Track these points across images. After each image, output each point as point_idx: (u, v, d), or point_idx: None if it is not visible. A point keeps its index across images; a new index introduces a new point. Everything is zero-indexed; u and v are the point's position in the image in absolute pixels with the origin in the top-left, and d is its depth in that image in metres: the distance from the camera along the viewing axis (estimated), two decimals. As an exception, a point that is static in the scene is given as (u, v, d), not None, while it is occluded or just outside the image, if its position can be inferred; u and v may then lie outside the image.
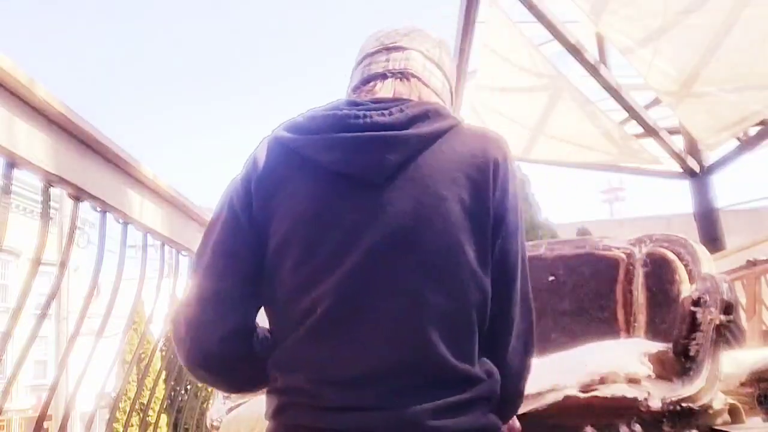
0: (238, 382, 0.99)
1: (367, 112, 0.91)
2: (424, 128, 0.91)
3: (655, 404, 1.47)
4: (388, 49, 1.02)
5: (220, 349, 0.91)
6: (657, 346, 1.64)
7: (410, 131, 0.90)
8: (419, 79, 1.00)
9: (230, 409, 1.97)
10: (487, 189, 0.90)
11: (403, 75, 0.99)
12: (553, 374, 1.47)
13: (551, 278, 2.20)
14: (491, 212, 0.90)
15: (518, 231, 0.95)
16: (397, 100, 0.95)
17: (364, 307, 0.86)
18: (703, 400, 1.56)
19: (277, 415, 0.90)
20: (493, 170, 0.91)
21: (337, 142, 0.90)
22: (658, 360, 1.57)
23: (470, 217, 0.88)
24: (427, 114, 0.92)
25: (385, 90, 0.98)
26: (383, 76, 1.00)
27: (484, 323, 0.91)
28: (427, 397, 0.83)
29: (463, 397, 0.86)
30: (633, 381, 1.50)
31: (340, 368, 0.85)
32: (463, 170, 0.90)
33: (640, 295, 2.05)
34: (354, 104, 0.95)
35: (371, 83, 1.00)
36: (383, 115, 0.91)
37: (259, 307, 0.96)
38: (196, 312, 0.92)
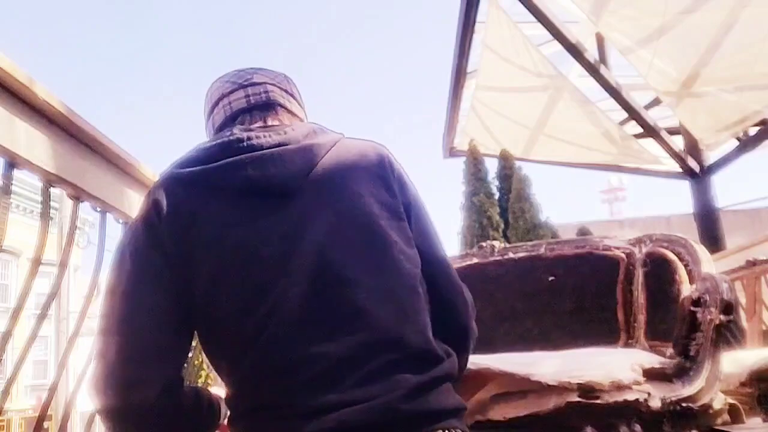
0: None
1: (260, 134, 0.95)
2: (317, 140, 0.98)
3: (655, 404, 1.47)
4: (244, 87, 1.05)
5: (157, 403, 0.86)
6: (653, 361, 1.63)
7: (307, 142, 0.96)
8: (282, 106, 1.06)
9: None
10: (389, 180, 1.00)
11: (266, 105, 1.04)
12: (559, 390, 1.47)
13: (551, 278, 2.20)
14: (399, 198, 0.99)
15: (424, 207, 1.05)
16: (278, 125, 1.00)
17: (314, 307, 0.87)
18: (703, 400, 1.55)
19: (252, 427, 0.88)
20: (388, 165, 1.02)
21: (241, 163, 0.92)
22: (652, 372, 1.56)
23: (384, 206, 0.96)
24: (314, 130, 1.00)
25: (254, 120, 1.02)
26: (248, 110, 1.03)
27: (425, 299, 0.97)
28: (394, 382, 0.85)
29: (430, 376, 0.88)
30: (621, 388, 1.49)
31: (304, 370, 0.85)
32: (365, 169, 0.99)
33: (640, 295, 2.05)
34: (240, 131, 0.97)
35: (239, 118, 1.03)
36: (278, 133, 0.96)
37: (187, 357, 0.95)
38: (122, 372, 0.86)
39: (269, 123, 1.02)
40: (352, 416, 0.82)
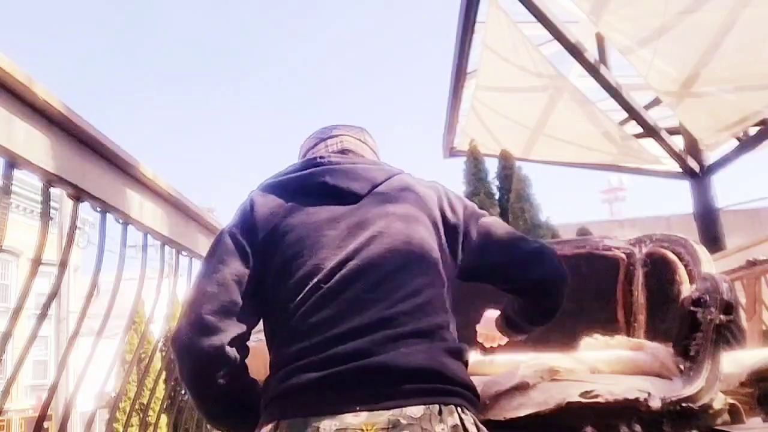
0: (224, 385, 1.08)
1: (337, 156, 1.24)
2: (382, 167, 1.24)
3: (655, 404, 1.47)
4: (324, 140, 1.31)
5: (226, 351, 1.04)
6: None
7: (374, 166, 1.24)
8: (354, 152, 1.30)
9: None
10: (440, 203, 1.21)
11: (341, 151, 1.29)
12: (560, 389, 1.47)
13: (551, 278, 2.19)
14: (449, 219, 1.20)
15: (484, 220, 1.26)
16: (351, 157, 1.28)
17: (355, 285, 1.05)
18: (703, 400, 1.55)
19: (286, 378, 1.01)
20: (441, 191, 1.24)
21: (320, 172, 1.19)
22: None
23: (431, 222, 1.17)
24: (380, 162, 1.29)
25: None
26: (325, 157, 1.26)
27: (449, 304, 1.13)
28: (429, 344, 1.02)
29: (456, 349, 1.06)
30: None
31: (346, 325, 1.01)
32: (418, 193, 1.20)
33: (640, 295, 2.05)
34: (321, 154, 1.26)
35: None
36: (351, 159, 1.25)
37: (256, 323, 1.13)
38: (205, 319, 1.05)
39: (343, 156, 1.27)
40: (372, 362, 0.97)
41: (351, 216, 1.13)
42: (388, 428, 0.93)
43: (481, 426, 1.02)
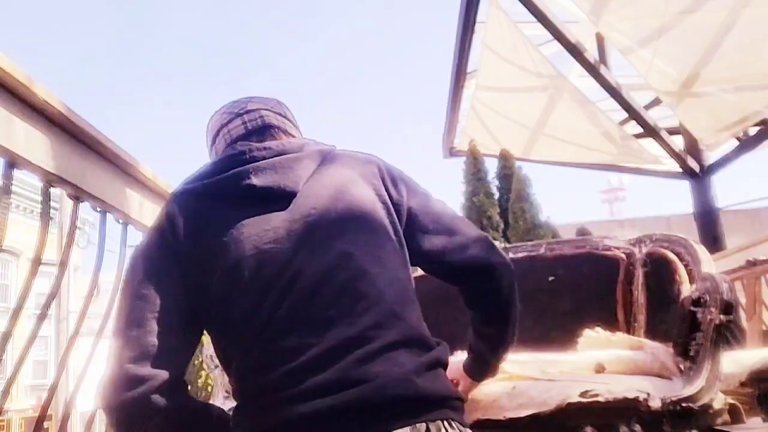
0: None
1: (260, 147, 1.06)
2: (312, 149, 1.09)
3: (655, 404, 1.47)
4: (240, 115, 1.14)
5: (155, 402, 0.92)
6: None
7: (303, 152, 1.08)
8: (277, 128, 1.14)
9: (231, 409, 1.96)
10: (384, 182, 1.09)
11: (263, 128, 1.13)
12: (560, 389, 1.48)
13: (551, 278, 2.19)
14: (394, 198, 1.09)
15: (425, 197, 1.14)
16: (275, 142, 1.11)
17: (322, 295, 0.95)
18: (703, 400, 1.55)
19: (259, 414, 0.92)
20: (383, 168, 1.12)
21: (245, 172, 1.02)
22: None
23: (379, 205, 1.06)
24: (307, 143, 1.11)
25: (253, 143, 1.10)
26: (246, 135, 1.12)
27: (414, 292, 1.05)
28: (392, 363, 0.93)
29: (423, 361, 0.96)
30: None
31: (309, 352, 0.91)
32: (360, 173, 1.09)
33: (640, 295, 2.05)
34: (242, 146, 1.07)
35: (239, 143, 1.10)
36: (276, 147, 1.07)
37: (190, 358, 1.01)
38: (126, 370, 0.93)
39: (267, 142, 1.10)
40: (350, 396, 0.89)
41: (289, 220, 1.00)
42: None
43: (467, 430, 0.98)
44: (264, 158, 1.04)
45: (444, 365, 1.01)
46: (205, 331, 1.04)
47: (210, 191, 1.03)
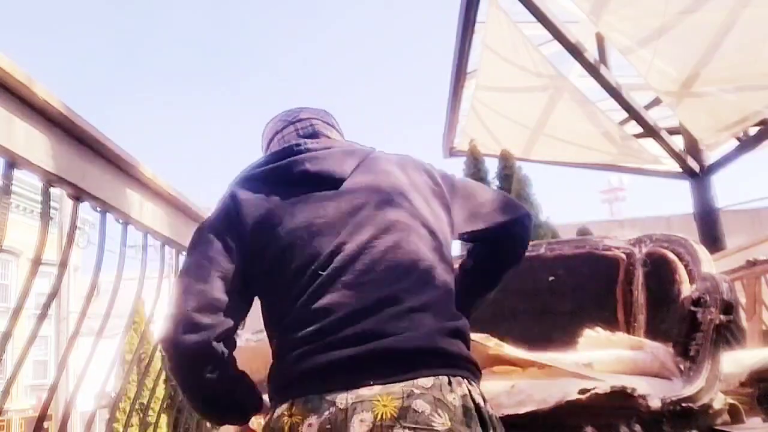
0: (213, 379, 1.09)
1: (312, 142, 1.23)
2: (358, 147, 1.26)
3: (655, 404, 1.47)
4: (293, 123, 1.30)
5: (213, 347, 1.06)
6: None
7: (350, 148, 1.25)
8: (325, 135, 1.30)
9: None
10: (421, 173, 1.24)
11: (313, 134, 1.28)
12: (559, 387, 1.48)
13: (551, 278, 2.20)
14: (438, 187, 1.23)
15: (470, 188, 1.31)
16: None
17: (362, 262, 1.07)
18: (703, 400, 1.55)
19: (297, 362, 1.03)
20: (419, 164, 1.27)
21: (300, 160, 1.18)
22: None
23: (417, 193, 1.19)
24: (353, 143, 1.29)
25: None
26: (302, 139, 1.26)
27: (451, 267, 1.17)
28: (417, 322, 1.04)
29: (455, 326, 1.08)
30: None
31: (350, 308, 1.03)
32: (400, 166, 1.23)
33: (640, 295, 2.05)
34: (296, 140, 1.25)
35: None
36: (326, 143, 1.24)
37: (242, 319, 1.16)
38: (193, 317, 1.06)
39: (318, 140, 1.27)
40: (377, 346, 1.00)
41: (338, 200, 1.14)
42: (402, 398, 0.96)
43: (485, 398, 1.06)
44: (316, 149, 1.20)
45: (465, 338, 1.10)
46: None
47: (268, 176, 1.19)
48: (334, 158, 1.19)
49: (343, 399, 0.97)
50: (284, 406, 1.01)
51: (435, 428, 0.95)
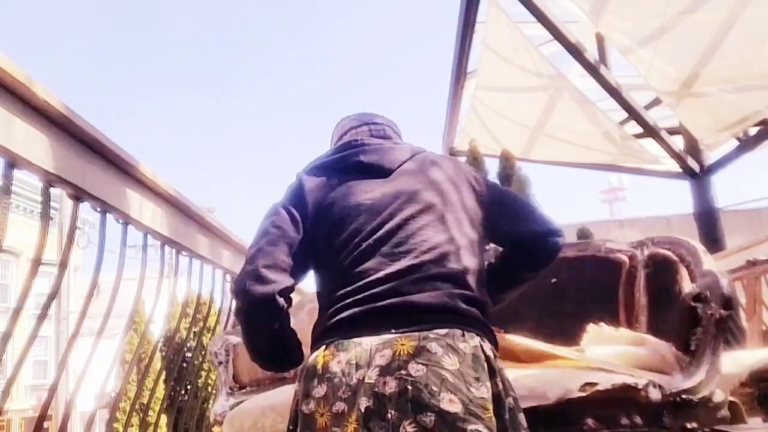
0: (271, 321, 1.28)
1: (370, 138, 1.45)
2: (410, 145, 1.45)
3: (655, 396, 1.48)
4: (368, 124, 1.50)
5: (276, 300, 1.24)
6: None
7: (403, 145, 1.45)
8: (391, 138, 1.49)
9: (234, 405, 1.96)
10: (461, 173, 1.40)
11: (382, 137, 1.47)
12: (559, 382, 1.48)
13: (553, 280, 2.19)
14: (475, 188, 1.39)
15: (504, 193, 1.50)
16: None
17: (397, 237, 1.24)
18: (703, 393, 1.56)
19: (333, 315, 1.20)
20: (461, 165, 1.44)
21: (357, 152, 1.39)
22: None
23: (455, 187, 1.36)
24: (408, 143, 1.48)
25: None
26: (369, 138, 1.46)
27: (481, 259, 1.31)
28: (446, 287, 1.19)
29: (473, 296, 1.22)
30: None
31: (381, 273, 1.20)
32: (445, 164, 1.41)
33: (642, 297, 2.05)
34: (356, 137, 1.46)
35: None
36: (383, 139, 1.46)
37: (301, 279, 1.34)
38: (261, 272, 1.25)
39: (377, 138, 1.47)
40: (394, 302, 1.17)
41: (384, 186, 1.33)
42: (418, 340, 1.12)
43: (498, 355, 1.21)
44: (371, 144, 1.41)
45: (483, 309, 1.23)
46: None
47: (330, 165, 1.40)
48: (385, 152, 1.39)
49: (368, 341, 1.14)
50: (320, 349, 1.19)
51: (445, 367, 1.09)
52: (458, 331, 1.14)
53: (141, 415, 2.53)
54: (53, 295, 1.48)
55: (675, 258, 1.95)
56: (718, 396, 1.61)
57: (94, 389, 1.84)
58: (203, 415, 3.32)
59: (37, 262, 1.34)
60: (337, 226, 1.29)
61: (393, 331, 1.14)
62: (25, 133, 1.29)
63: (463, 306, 1.19)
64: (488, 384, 1.11)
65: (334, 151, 1.44)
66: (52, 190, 1.43)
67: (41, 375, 18.27)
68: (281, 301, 1.25)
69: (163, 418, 2.53)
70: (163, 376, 2.86)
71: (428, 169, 1.38)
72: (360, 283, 1.21)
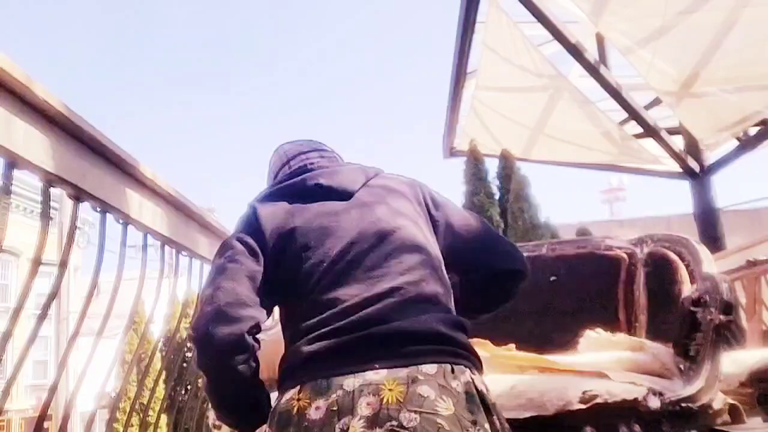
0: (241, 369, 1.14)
1: (324, 161, 1.37)
2: (366, 166, 1.37)
3: (654, 404, 1.47)
4: (317, 150, 1.41)
5: (243, 339, 1.12)
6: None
7: (360, 166, 1.36)
8: (336, 159, 1.43)
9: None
10: (419, 195, 1.34)
11: (331, 160, 1.40)
12: (559, 390, 1.47)
13: (553, 278, 2.19)
14: (429, 208, 1.33)
15: (458, 213, 1.39)
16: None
17: (368, 261, 1.16)
18: (703, 400, 1.55)
19: (306, 346, 1.09)
20: (419, 185, 1.37)
21: (315, 175, 1.30)
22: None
23: (414, 208, 1.30)
24: (361, 164, 1.40)
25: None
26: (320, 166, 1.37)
27: (446, 276, 1.24)
28: (430, 309, 1.13)
29: (456, 318, 1.16)
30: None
31: (357, 298, 1.11)
32: (402, 185, 1.34)
33: (641, 295, 2.05)
34: (310, 160, 1.38)
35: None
36: (337, 162, 1.39)
37: (267, 316, 1.21)
38: (224, 312, 1.13)
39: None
40: (381, 330, 1.07)
41: (347, 208, 1.25)
42: (407, 383, 1.01)
43: (489, 388, 1.11)
44: (328, 167, 1.33)
45: (466, 329, 1.16)
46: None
47: (285, 191, 1.30)
48: (344, 174, 1.32)
49: (350, 382, 1.02)
50: (293, 390, 1.06)
51: (439, 413, 0.99)
52: (448, 367, 1.05)
53: (141, 415, 2.53)
54: (53, 295, 1.48)
55: (674, 257, 1.95)
56: (718, 402, 1.60)
57: (94, 389, 1.84)
58: (203, 415, 3.32)
59: (37, 262, 1.34)
60: (302, 253, 1.19)
61: (377, 366, 1.03)
62: (24, 133, 1.29)
63: (449, 332, 1.11)
64: (486, 426, 1.03)
65: (288, 176, 1.34)
66: (52, 190, 1.42)
67: (41, 375, 18.25)
68: (251, 340, 1.12)
69: (163, 418, 2.54)
70: (163, 376, 2.86)
71: (389, 189, 1.31)
72: (335, 310, 1.10)
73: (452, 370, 1.04)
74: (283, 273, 1.19)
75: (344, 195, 1.27)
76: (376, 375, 1.02)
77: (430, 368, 1.03)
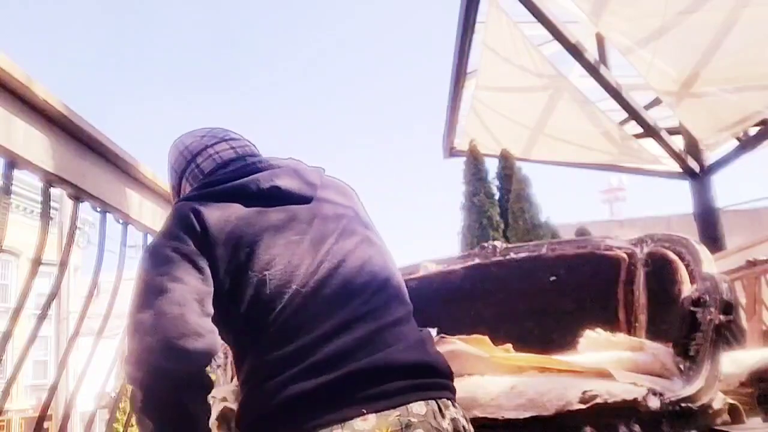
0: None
1: (263, 161, 1.19)
2: (306, 165, 1.23)
3: (654, 404, 1.47)
4: (226, 140, 1.25)
5: (202, 372, 0.99)
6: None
7: (301, 166, 1.22)
8: (259, 156, 1.26)
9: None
10: (356, 199, 1.26)
11: (250, 155, 1.23)
12: (559, 390, 1.48)
13: (552, 278, 2.19)
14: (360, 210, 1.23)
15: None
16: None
17: (336, 276, 1.05)
18: (703, 401, 1.55)
19: (280, 388, 0.95)
20: (354, 191, 1.28)
21: (258, 178, 1.13)
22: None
23: (361, 216, 1.22)
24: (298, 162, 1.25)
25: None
26: (237, 158, 1.21)
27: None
28: (409, 333, 1.06)
29: (428, 336, 1.11)
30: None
31: (327, 325, 0.99)
32: (347, 189, 1.26)
33: (641, 295, 2.05)
34: (248, 161, 1.20)
35: (231, 164, 1.21)
36: (276, 162, 1.19)
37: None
38: (177, 343, 0.95)
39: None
40: (360, 365, 0.96)
41: (311, 219, 1.12)
42: (401, 429, 0.92)
43: (467, 417, 1.06)
44: (280, 166, 1.17)
45: (432, 340, 1.13)
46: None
47: (234, 192, 1.10)
48: (299, 174, 1.17)
49: None
50: None
51: None
52: (435, 404, 0.97)
53: (141, 415, 2.53)
54: (53, 295, 1.48)
55: (674, 257, 1.95)
56: (718, 402, 1.60)
57: (94, 389, 1.83)
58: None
59: (37, 262, 1.34)
60: (264, 272, 1.01)
61: (365, 411, 0.92)
62: (24, 133, 1.29)
63: (427, 357, 1.04)
64: None
65: (234, 173, 1.14)
66: (52, 190, 1.43)
67: (41, 375, 18.26)
68: (207, 377, 0.99)
69: (163, 418, 2.53)
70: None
71: (342, 193, 1.22)
72: (305, 340, 0.97)
73: (439, 408, 0.98)
74: (239, 293, 1.01)
75: (304, 199, 1.14)
76: (365, 423, 0.91)
77: (419, 408, 0.95)
